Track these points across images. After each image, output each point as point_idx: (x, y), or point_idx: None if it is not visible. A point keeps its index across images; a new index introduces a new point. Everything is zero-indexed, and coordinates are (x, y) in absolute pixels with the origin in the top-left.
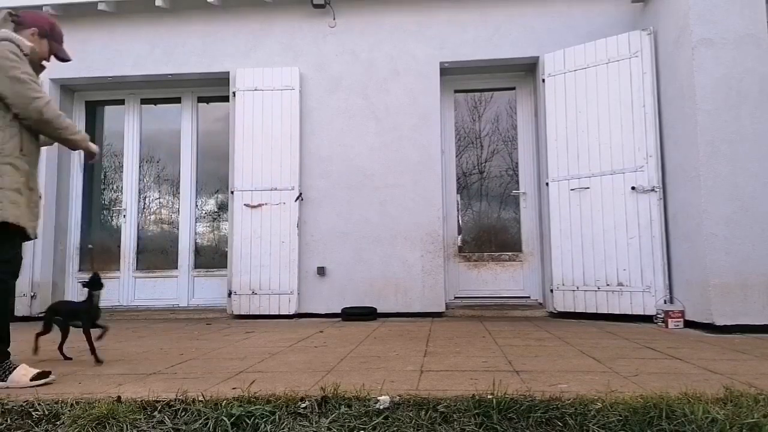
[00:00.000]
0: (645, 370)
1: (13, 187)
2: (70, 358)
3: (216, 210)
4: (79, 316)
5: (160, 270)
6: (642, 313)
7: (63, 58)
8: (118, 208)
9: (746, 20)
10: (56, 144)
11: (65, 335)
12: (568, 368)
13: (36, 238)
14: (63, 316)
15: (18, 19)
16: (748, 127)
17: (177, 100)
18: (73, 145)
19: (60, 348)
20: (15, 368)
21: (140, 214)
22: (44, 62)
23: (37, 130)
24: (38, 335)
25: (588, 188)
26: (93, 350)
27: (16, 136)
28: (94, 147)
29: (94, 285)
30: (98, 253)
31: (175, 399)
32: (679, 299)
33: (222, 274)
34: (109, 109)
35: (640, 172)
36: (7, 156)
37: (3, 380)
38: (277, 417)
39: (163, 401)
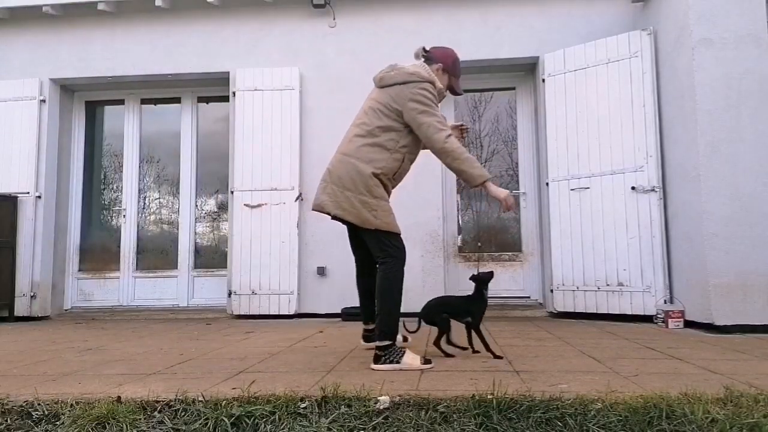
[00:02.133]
0: (645, 370)
1: (381, 195)
2: (453, 355)
3: (216, 210)
4: (471, 312)
5: (160, 270)
6: (642, 313)
7: (456, 92)
8: (118, 208)
9: (746, 20)
10: (56, 145)
11: (448, 332)
12: (568, 368)
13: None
14: (452, 312)
15: (429, 54)
16: (748, 127)
17: (177, 100)
18: (469, 179)
19: (437, 343)
20: (404, 353)
21: (140, 214)
22: (443, 94)
23: (439, 157)
24: (438, 340)
25: (588, 188)
26: (488, 346)
27: (397, 161)
28: (500, 192)
29: (484, 282)
30: (98, 252)
31: (175, 399)
32: (679, 299)
33: (222, 274)
34: (109, 109)
35: (640, 172)
36: (385, 175)
37: (397, 362)
38: (277, 417)
39: (163, 401)
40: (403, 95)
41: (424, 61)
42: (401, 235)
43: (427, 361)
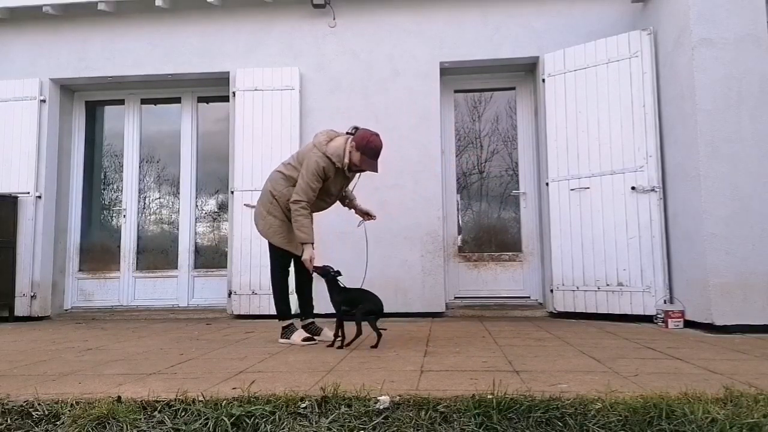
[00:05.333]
0: (645, 370)
1: (274, 214)
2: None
3: (216, 210)
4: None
5: (160, 270)
6: (642, 313)
7: (370, 170)
8: (118, 208)
9: (746, 20)
10: (56, 146)
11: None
12: (568, 368)
13: (298, 254)
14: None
15: (354, 132)
16: (748, 127)
17: (177, 100)
18: (297, 238)
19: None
20: (296, 331)
21: (140, 214)
22: (355, 167)
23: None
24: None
25: (588, 188)
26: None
27: (287, 191)
28: (306, 256)
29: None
30: (98, 252)
31: (175, 399)
32: (679, 299)
33: (222, 274)
34: (109, 109)
35: (640, 172)
36: (278, 199)
37: (288, 338)
38: (277, 417)
39: (163, 401)
40: (307, 154)
41: (352, 137)
42: (284, 255)
43: (310, 339)
